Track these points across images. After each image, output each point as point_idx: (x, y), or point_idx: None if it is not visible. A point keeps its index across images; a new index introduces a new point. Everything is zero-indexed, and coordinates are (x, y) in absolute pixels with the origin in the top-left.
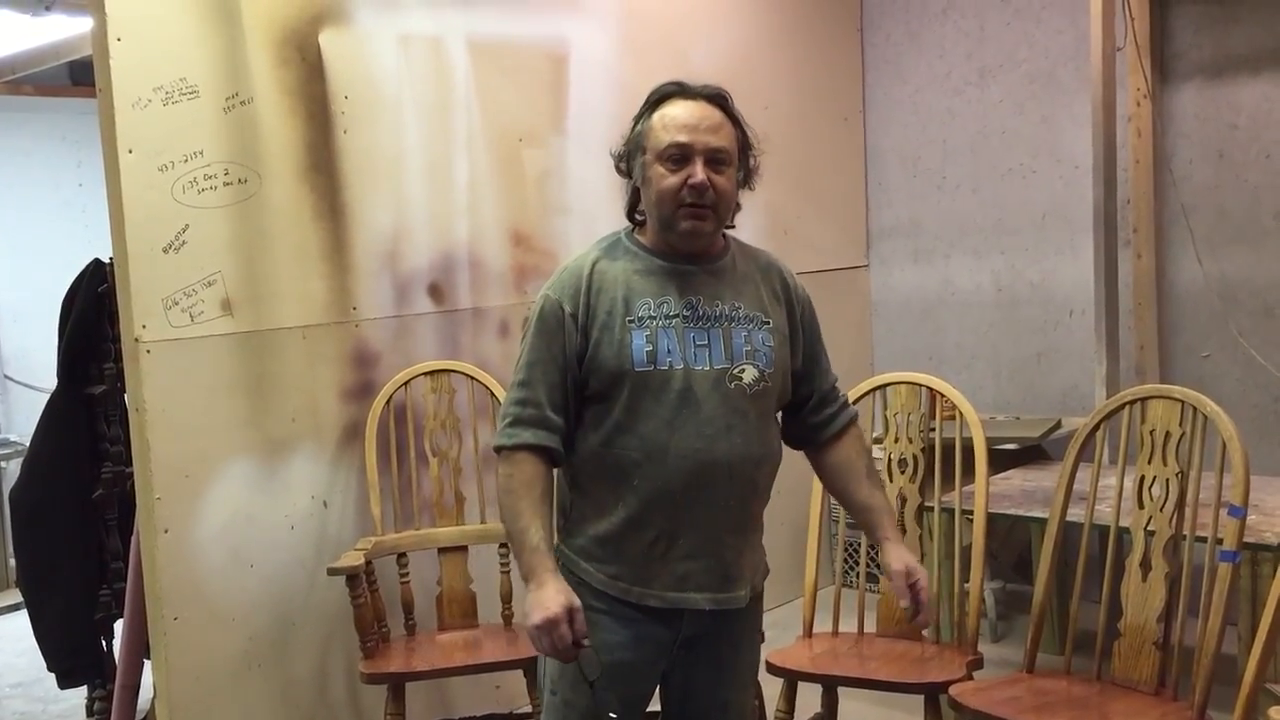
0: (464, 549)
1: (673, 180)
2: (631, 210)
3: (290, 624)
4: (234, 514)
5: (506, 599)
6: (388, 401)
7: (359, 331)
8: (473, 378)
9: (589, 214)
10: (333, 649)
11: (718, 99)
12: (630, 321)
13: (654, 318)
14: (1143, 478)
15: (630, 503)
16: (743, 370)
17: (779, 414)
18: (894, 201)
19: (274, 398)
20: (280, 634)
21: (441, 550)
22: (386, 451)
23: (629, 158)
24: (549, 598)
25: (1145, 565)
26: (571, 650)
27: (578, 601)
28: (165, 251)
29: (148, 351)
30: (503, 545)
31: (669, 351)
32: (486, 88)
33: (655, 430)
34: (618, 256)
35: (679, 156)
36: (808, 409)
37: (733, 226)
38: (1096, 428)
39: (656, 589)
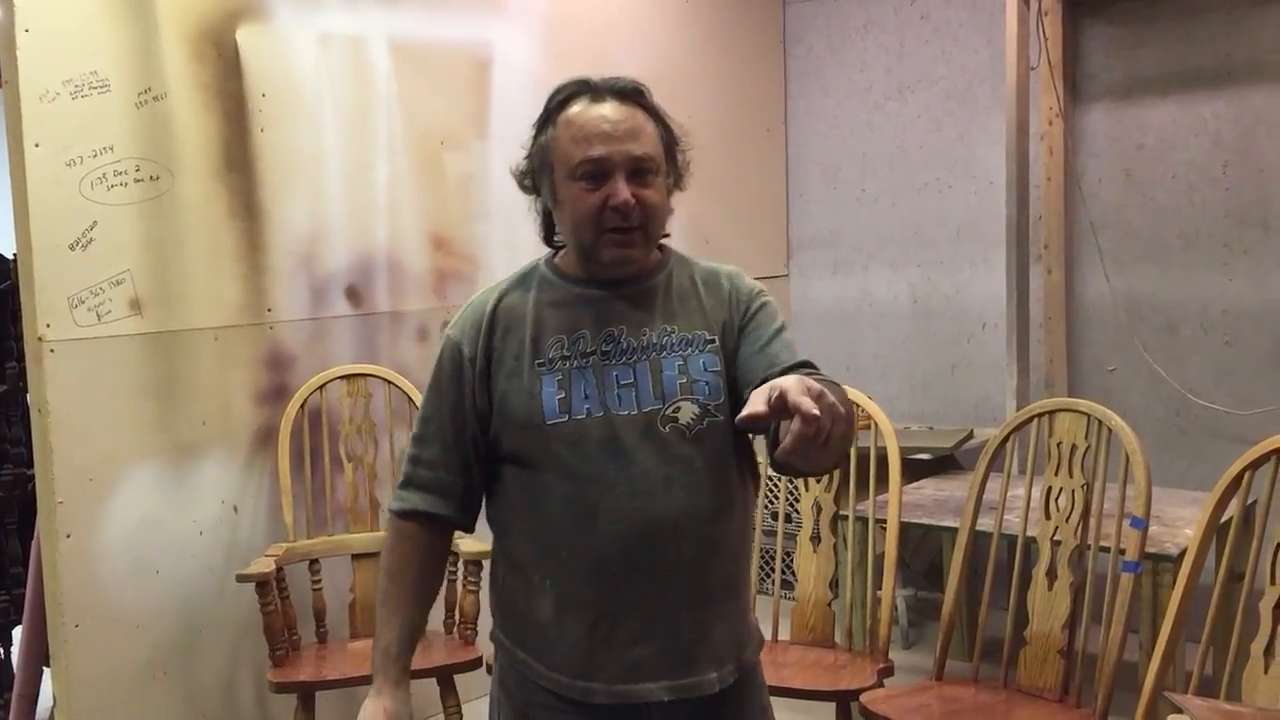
0: (378, 555)
1: (591, 201)
2: (548, 233)
3: (197, 631)
4: (140, 519)
5: None
6: (302, 405)
7: (273, 334)
8: (390, 382)
9: (511, 219)
10: (241, 657)
11: (633, 94)
12: (540, 365)
13: (567, 358)
14: (1050, 489)
15: (561, 579)
16: (677, 409)
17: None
18: (814, 213)
19: (184, 400)
20: (187, 641)
21: (355, 556)
22: (300, 456)
23: (534, 174)
24: (371, 714)
25: (1051, 574)
26: None
27: None
28: (72, 249)
29: (51, 351)
30: None
31: (585, 397)
32: (408, 89)
33: (578, 492)
34: (530, 287)
35: (595, 173)
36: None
37: (667, 236)
38: (1006, 439)
39: (602, 681)
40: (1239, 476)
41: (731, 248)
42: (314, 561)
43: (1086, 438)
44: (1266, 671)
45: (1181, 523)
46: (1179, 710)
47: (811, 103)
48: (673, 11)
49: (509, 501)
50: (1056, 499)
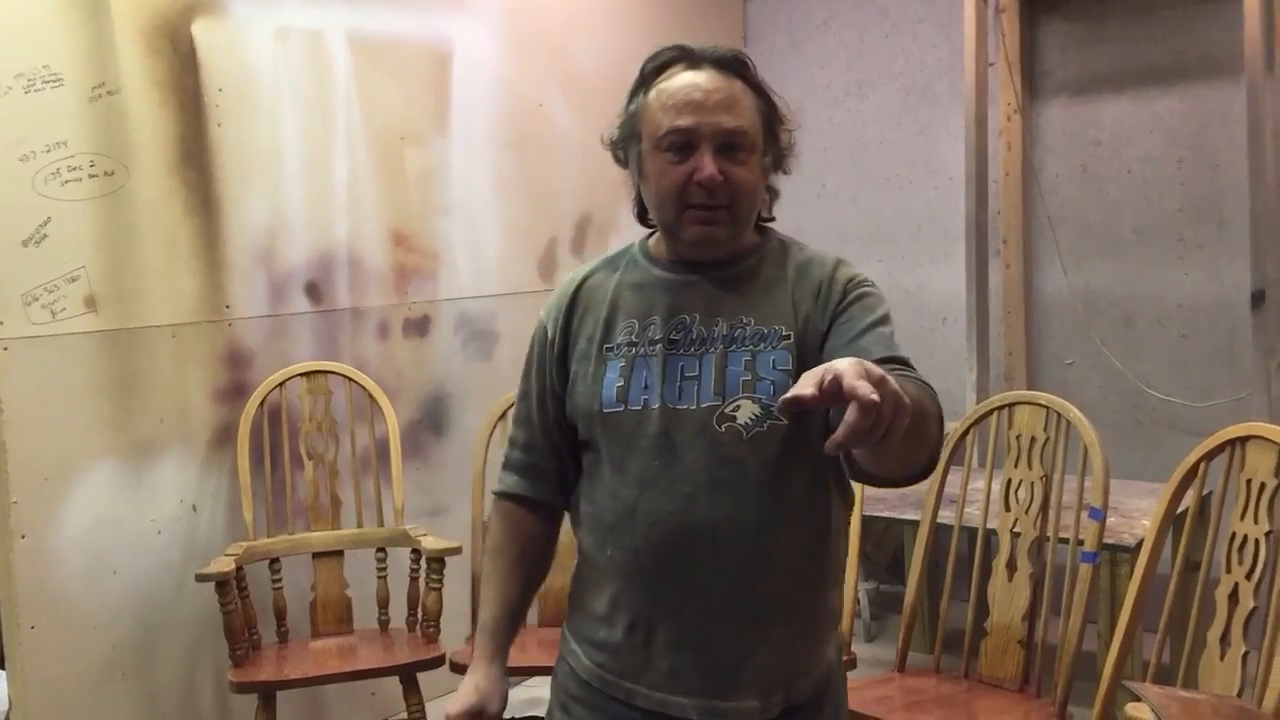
0: (339, 554)
1: (675, 174)
2: (643, 211)
3: (156, 632)
4: (97, 519)
5: (383, 604)
6: (262, 403)
7: (232, 331)
8: (351, 379)
9: (472, 214)
10: (201, 657)
11: (733, 64)
12: (607, 350)
13: (635, 344)
14: (1010, 481)
15: (610, 576)
16: (736, 408)
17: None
18: (775, 208)
19: (141, 398)
20: (145, 642)
21: (316, 555)
22: (260, 454)
23: (624, 144)
24: (464, 689)
25: (1011, 566)
26: None
27: (494, 706)
28: (25, 245)
29: (5, 349)
30: (380, 549)
31: (645, 386)
32: (368, 84)
33: (625, 487)
34: (619, 267)
35: (682, 144)
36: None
37: (771, 220)
38: (966, 432)
39: (645, 685)
40: (1195, 467)
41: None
42: (274, 560)
43: (1046, 430)
44: (1223, 659)
45: (1138, 514)
46: (1137, 699)
47: None
48: (634, 7)
49: (580, 489)
50: (1016, 491)
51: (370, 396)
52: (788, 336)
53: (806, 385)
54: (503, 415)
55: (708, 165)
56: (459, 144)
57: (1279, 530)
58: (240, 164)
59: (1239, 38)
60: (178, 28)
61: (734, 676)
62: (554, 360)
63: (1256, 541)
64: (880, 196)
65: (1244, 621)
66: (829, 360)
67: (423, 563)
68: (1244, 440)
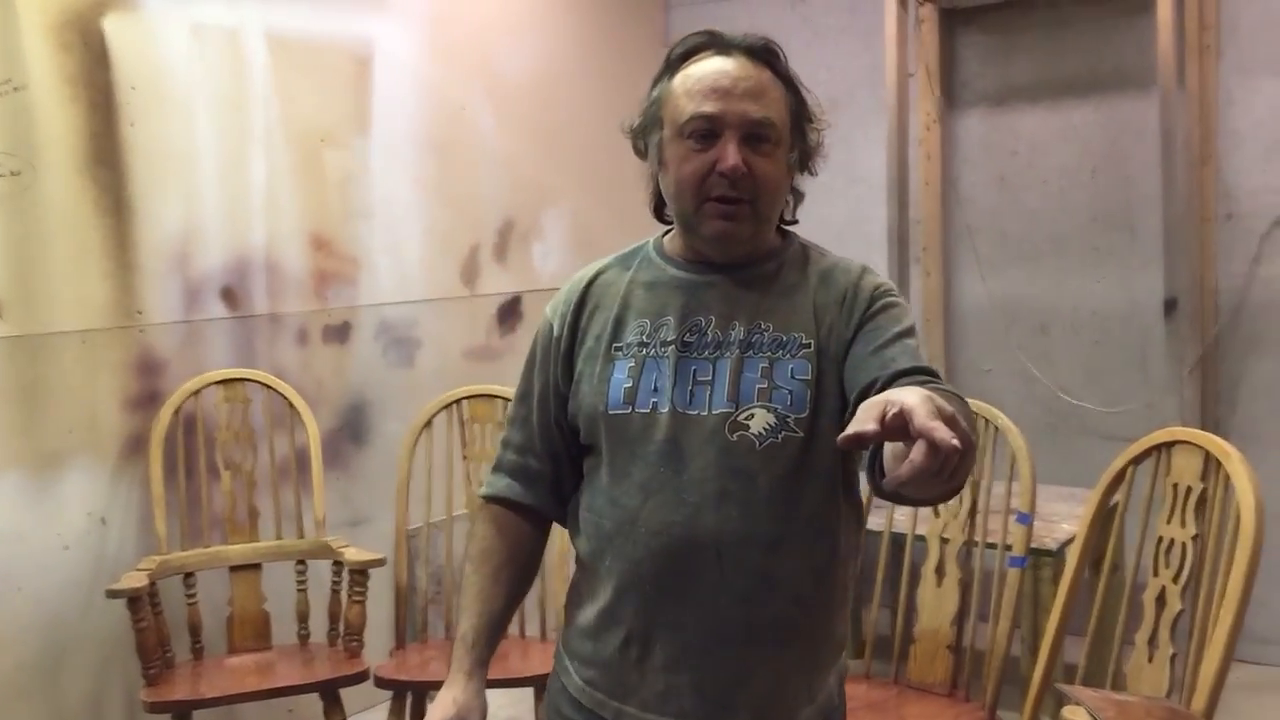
0: (257, 567)
1: (695, 164)
2: (659, 206)
3: (64, 651)
4: (0, 533)
5: (303, 618)
6: (176, 411)
7: (144, 337)
8: (269, 387)
9: (393, 219)
10: (111, 676)
11: (763, 53)
12: (616, 349)
13: (646, 344)
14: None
15: (606, 588)
16: (750, 416)
17: (842, 475)
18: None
19: (48, 407)
20: (52, 662)
21: (233, 569)
22: (174, 465)
23: (645, 133)
24: (441, 703)
25: (940, 572)
26: None
27: (473, 718)
28: None
29: None
30: (300, 562)
31: (654, 389)
32: (286, 85)
33: (628, 495)
34: (631, 265)
35: (705, 132)
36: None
37: (794, 223)
38: None
39: (635, 706)
40: (1122, 472)
41: (612, 249)
42: (189, 575)
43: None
44: (1151, 661)
45: (1058, 518)
46: (1070, 702)
47: None
48: (557, 13)
49: (580, 495)
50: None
51: (290, 405)
52: (808, 345)
53: (869, 420)
54: (428, 424)
55: (731, 154)
56: (380, 146)
57: (1206, 534)
58: (153, 164)
59: (1151, 52)
60: (88, 22)
61: (730, 700)
62: (559, 358)
63: (1184, 545)
64: (802, 204)
65: (1171, 624)
66: (852, 369)
67: (345, 575)
68: (1170, 445)
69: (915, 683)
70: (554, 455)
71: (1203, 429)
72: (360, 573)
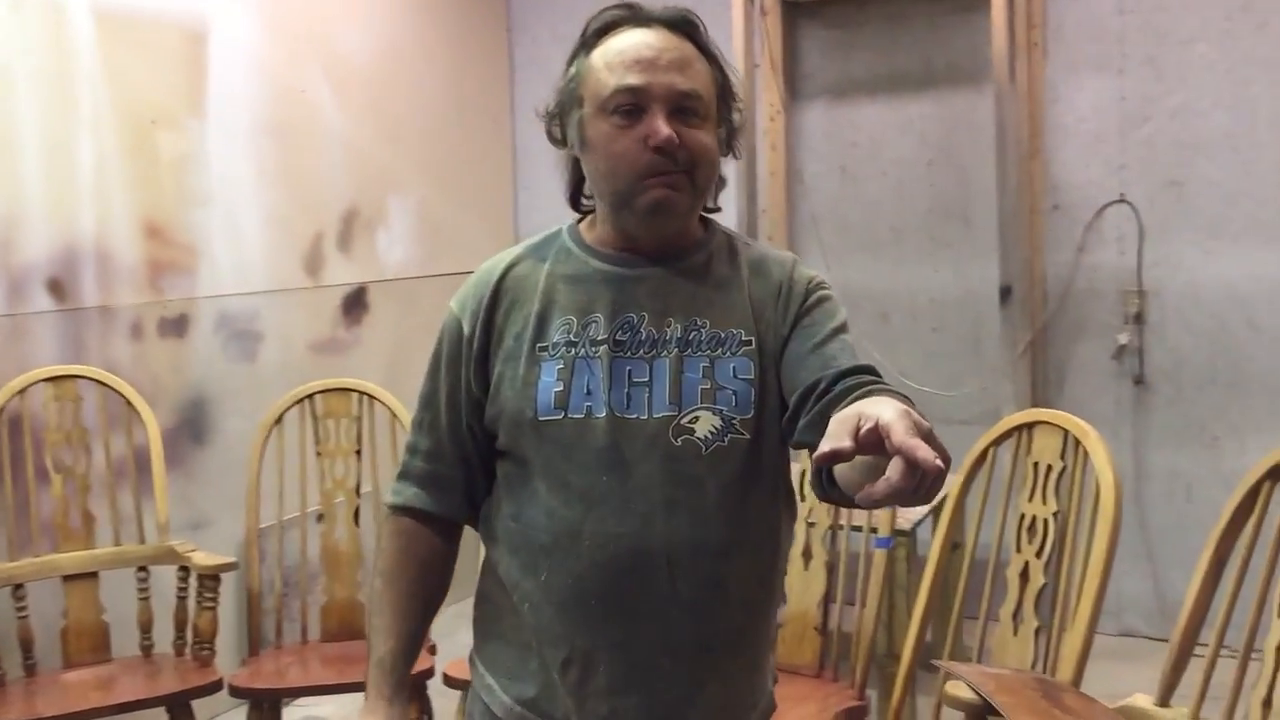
0: (94, 575)
1: (625, 141)
2: (575, 193)
3: None
4: None
5: (145, 628)
6: None
7: None
8: (103, 383)
9: (232, 206)
10: None
11: (684, 25)
12: (541, 349)
13: (574, 344)
14: (804, 471)
15: (538, 604)
16: (694, 419)
17: (785, 478)
18: (543, 205)
19: None
20: None
21: (67, 578)
22: None
23: (562, 115)
24: None
25: (807, 554)
26: None
27: None
28: None
29: None
30: (141, 568)
31: (587, 392)
32: (114, 62)
33: (567, 506)
34: (547, 256)
35: (630, 107)
36: (813, 404)
37: (717, 209)
38: None
39: None
40: (984, 453)
41: (459, 238)
42: (18, 586)
43: None
44: (1016, 634)
45: None
46: (945, 678)
47: (538, 92)
48: None
49: (498, 505)
50: (808, 481)
51: (127, 403)
52: (748, 342)
53: (844, 435)
54: (278, 420)
55: (662, 127)
56: (216, 129)
57: (1067, 510)
58: None
59: (982, 48)
60: None
61: (682, 715)
62: (472, 359)
63: (1045, 521)
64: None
65: (1035, 598)
66: (791, 367)
67: (192, 581)
68: (1031, 426)
69: (784, 665)
70: (465, 460)
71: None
72: (211, 578)
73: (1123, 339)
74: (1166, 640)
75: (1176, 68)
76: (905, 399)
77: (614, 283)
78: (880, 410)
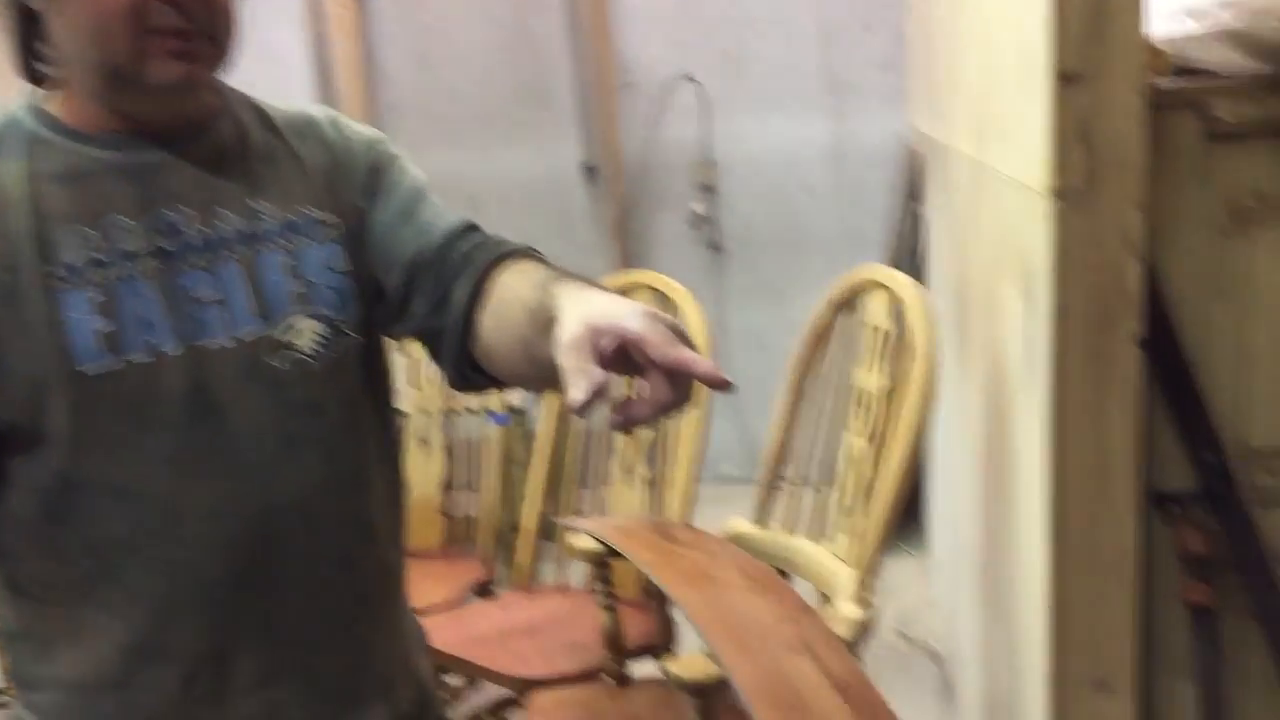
0: None
1: None
2: (28, 59)
3: None
4: None
5: None
6: None
7: None
8: None
9: None
10: None
11: None
12: (55, 278)
13: (103, 264)
14: (417, 359)
15: (126, 617)
16: (292, 330)
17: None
18: None
19: None
20: None
21: None
22: None
23: None
24: None
25: (424, 442)
26: None
27: None
28: None
29: None
30: None
31: (148, 324)
32: None
33: (146, 481)
34: (13, 152)
35: None
36: (427, 281)
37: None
38: None
39: None
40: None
41: None
42: None
43: None
44: (630, 488)
45: None
46: (575, 531)
47: None
48: None
49: (15, 507)
50: (421, 373)
51: None
52: (326, 221)
53: (590, 368)
54: None
55: None
56: None
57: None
58: None
59: None
60: None
61: (352, 686)
62: None
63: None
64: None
65: (646, 453)
66: (382, 242)
67: None
68: (628, 290)
69: (415, 551)
70: None
71: None
72: None
73: (698, 209)
74: (756, 482)
75: None
76: (540, 255)
77: (130, 174)
78: (615, 318)
